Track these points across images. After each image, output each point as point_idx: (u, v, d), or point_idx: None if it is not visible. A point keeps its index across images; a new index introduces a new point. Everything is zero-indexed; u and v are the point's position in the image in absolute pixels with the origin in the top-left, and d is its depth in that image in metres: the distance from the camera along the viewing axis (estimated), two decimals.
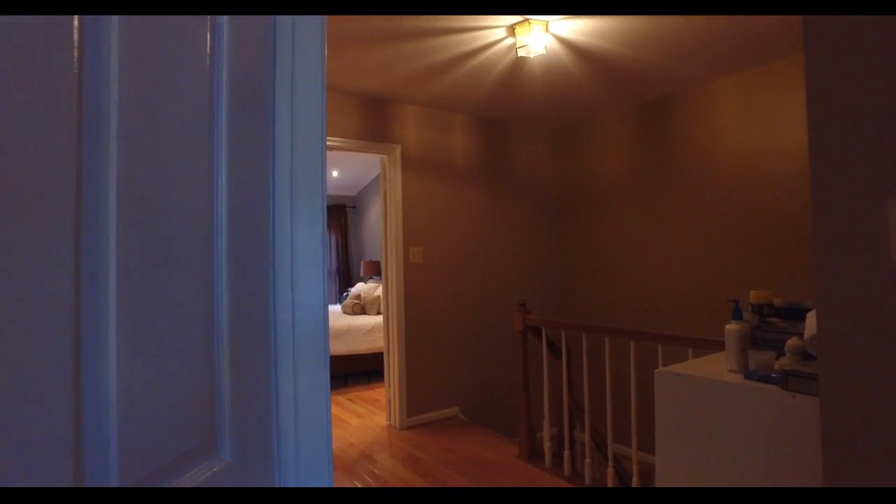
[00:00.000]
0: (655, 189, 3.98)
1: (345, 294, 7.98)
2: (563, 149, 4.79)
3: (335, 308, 7.06)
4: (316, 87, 0.88)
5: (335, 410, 4.58)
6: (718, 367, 1.66)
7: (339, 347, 5.31)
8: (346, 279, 8.75)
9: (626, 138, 4.21)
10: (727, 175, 3.52)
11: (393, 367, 4.03)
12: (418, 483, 3.07)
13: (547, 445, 3.21)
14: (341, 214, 8.76)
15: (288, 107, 0.84)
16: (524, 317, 3.20)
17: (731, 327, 1.58)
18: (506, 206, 4.59)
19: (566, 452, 3.09)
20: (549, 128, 4.81)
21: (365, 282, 7.88)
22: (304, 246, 0.85)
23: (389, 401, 4.08)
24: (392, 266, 4.03)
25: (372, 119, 3.95)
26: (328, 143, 3.76)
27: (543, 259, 4.80)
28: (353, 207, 8.96)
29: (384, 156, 4.08)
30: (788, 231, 3.20)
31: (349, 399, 4.95)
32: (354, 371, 5.51)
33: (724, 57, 3.22)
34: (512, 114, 4.40)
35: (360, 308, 6.33)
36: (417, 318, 4.08)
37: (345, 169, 7.88)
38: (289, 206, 0.83)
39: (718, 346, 2.16)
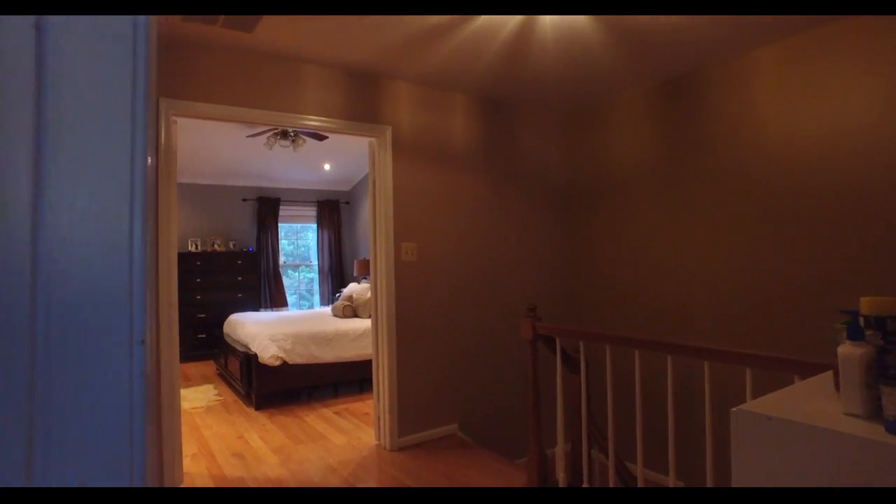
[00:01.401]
0: (684, 178, 3.49)
1: (337, 295, 7.50)
2: (576, 134, 4.30)
3: (325, 310, 6.57)
4: None
5: (319, 426, 4.09)
6: (822, 404, 1.16)
7: (326, 355, 4.82)
8: (339, 279, 8.27)
9: (649, 121, 3.71)
10: (771, 161, 3.02)
11: (382, 380, 3.54)
12: None
13: (561, 476, 2.72)
14: (334, 210, 8.28)
15: None
16: (535, 324, 2.71)
17: (851, 350, 1.09)
18: (511, 198, 4.10)
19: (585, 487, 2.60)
20: (559, 110, 4.32)
21: (359, 282, 7.39)
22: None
23: (379, 418, 3.59)
24: (381, 264, 3.54)
25: (359, 97, 3.46)
26: (309, 122, 3.27)
27: (553, 258, 4.31)
28: (347, 203, 8.48)
29: (373, 139, 3.59)
30: (861, 225, 2.70)
31: (336, 412, 4.45)
32: (344, 380, 5.03)
33: (767, 19, 2.72)
34: (518, 93, 3.90)
35: (352, 311, 5.84)
36: (410, 323, 3.59)
37: (337, 162, 7.40)
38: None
39: (790, 367, 1.67)
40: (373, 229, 3.61)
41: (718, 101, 3.27)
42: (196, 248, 7.03)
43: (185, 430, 4.07)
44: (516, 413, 4.04)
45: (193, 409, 4.62)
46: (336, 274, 8.27)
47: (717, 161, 3.29)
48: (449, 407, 3.74)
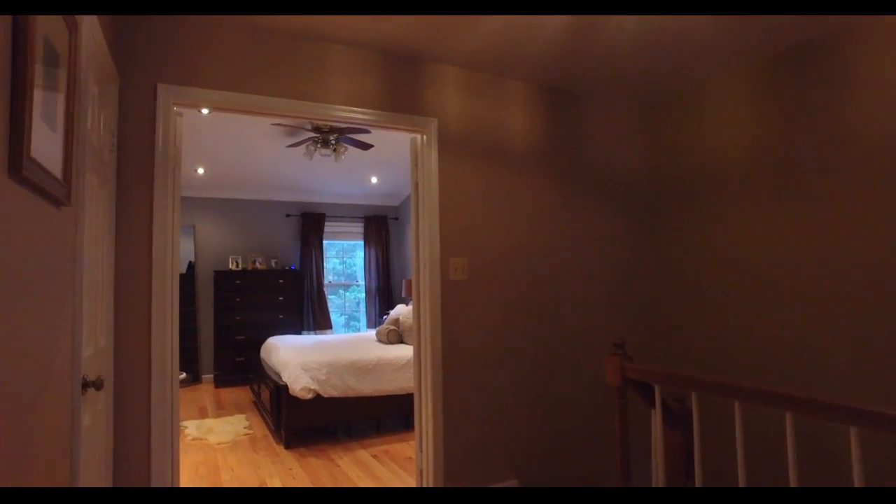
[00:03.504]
0: (812, 172, 2.72)
1: (384, 317, 6.96)
2: (660, 127, 3.59)
3: (370, 334, 6.04)
4: None
5: (353, 472, 3.49)
6: None
7: (365, 387, 4.24)
8: (386, 300, 7.75)
9: (759, 104, 2.97)
10: None
11: (426, 423, 2.92)
12: None
13: None
14: (382, 227, 7.80)
15: None
16: (624, 366, 2.02)
17: None
18: (580, 204, 3.43)
19: None
20: (638, 100, 3.62)
21: (407, 303, 6.84)
22: None
23: (421, 470, 2.95)
24: (425, 283, 2.94)
25: (397, 83, 2.91)
26: (340, 113, 2.74)
27: (633, 276, 3.58)
28: (396, 219, 7.99)
29: (416, 135, 3.03)
30: None
31: (374, 455, 3.85)
32: (388, 413, 4.43)
33: None
34: (587, 80, 3.25)
35: (397, 336, 5.27)
36: (460, 354, 2.96)
37: (385, 174, 6.93)
38: None
39: None
40: (415, 242, 3.03)
41: (864, 69, 2.51)
42: (236, 265, 6.69)
43: (203, 471, 3.57)
44: (591, 469, 3.30)
45: (219, 444, 4.14)
46: (384, 295, 7.76)
47: (862, 148, 2.51)
48: (506, 458, 3.06)
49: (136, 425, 2.20)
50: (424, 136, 2.98)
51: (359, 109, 2.80)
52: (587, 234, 3.43)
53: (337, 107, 2.74)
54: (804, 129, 2.73)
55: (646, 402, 2.23)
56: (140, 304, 2.25)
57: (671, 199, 3.48)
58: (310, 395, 3.99)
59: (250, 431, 4.46)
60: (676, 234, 3.44)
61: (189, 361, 6.50)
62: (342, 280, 7.94)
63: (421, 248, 2.98)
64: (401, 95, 2.91)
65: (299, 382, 3.99)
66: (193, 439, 4.26)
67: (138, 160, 2.30)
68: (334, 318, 7.72)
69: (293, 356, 4.31)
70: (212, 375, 6.57)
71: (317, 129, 5.12)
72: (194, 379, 6.59)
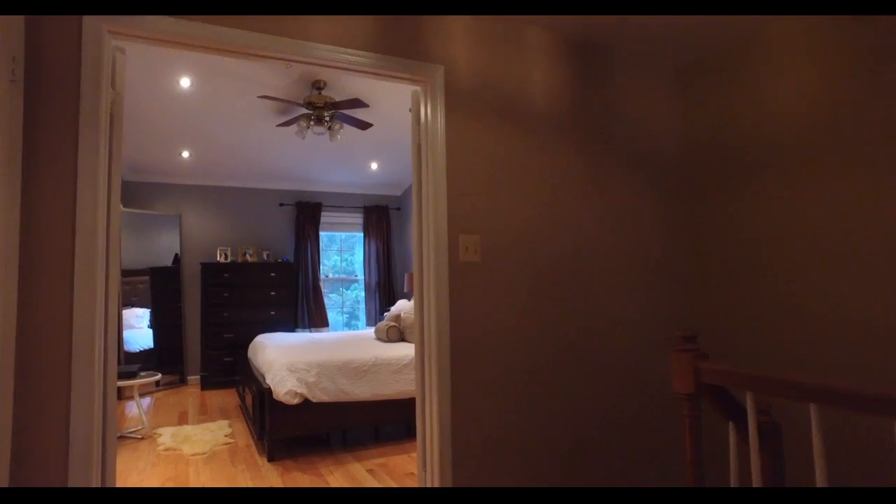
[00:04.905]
0: (886, 140, 2.18)
1: (384, 314, 6.44)
2: (701, 92, 3.04)
3: (368, 332, 5.51)
4: None
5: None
6: None
7: (360, 391, 3.71)
8: (388, 295, 7.23)
9: (822, 58, 2.43)
10: None
11: (431, 433, 2.39)
12: None
13: None
14: (383, 217, 7.28)
15: None
16: (698, 366, 1.49)
17: None
18: (610, 175, 2.89)
19: None
20: (680, 58, 3.08)
21: (409, 298, 6.32)
22: None
23: None
24: (430, 267, 2.42)
25: (396, 24, 2.39)
26: (325, 53, 2.22)
27: (672, 263, 3.04)
28: (398, 209, 7.47)
29: (417, 87, 2.51)
30: None
31: (369, 470, 3.32)
32: (388, 420, 3.90)
33: None
34: (620, 33, 2.72)
35: (398, 333, 4.75)
36: (471, 350, 2.44)
37: (387, 161, 6.41)
38: None
39: None
40: (417, 215, 2.51)
41: None
42: (225, 258, 6.18)
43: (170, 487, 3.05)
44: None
45: (194, 455, 3.62)
46: (384, 290, 7.24)
47: None
48: (528, 478, 2.52)
49: (47, 444, 1.67)
50: (429, 87, 2.45)
51: (349, 50, 2.28)
52: (619, 211, 2.89)
53: (322, 46, 2.22)
54: (885, 88, 2.18)
55: (720, 412, 1.70)
56: (57, 297, 1.72)
57: (717, 174, 2.93)
58: (296, 400, 3.47)
59: (231, 440, 3.93)
60: (723, 213, 2.90)
61: (174, 362, 6.00)
62: (337, 275, 7.42)
63: (425, 222, 2.46)
64: (400, 37, 2.39)
65: (284, 385, 3.46)
66: (166, 450, 3.75)
67: (57, 107, 1.78)
68: (335, 316, 7.21)
69: (279, 355, 3.79)
70: (198, 377, 6.06)
71: (309, 103, 4.62)
72: (180, 380, 6.08)
